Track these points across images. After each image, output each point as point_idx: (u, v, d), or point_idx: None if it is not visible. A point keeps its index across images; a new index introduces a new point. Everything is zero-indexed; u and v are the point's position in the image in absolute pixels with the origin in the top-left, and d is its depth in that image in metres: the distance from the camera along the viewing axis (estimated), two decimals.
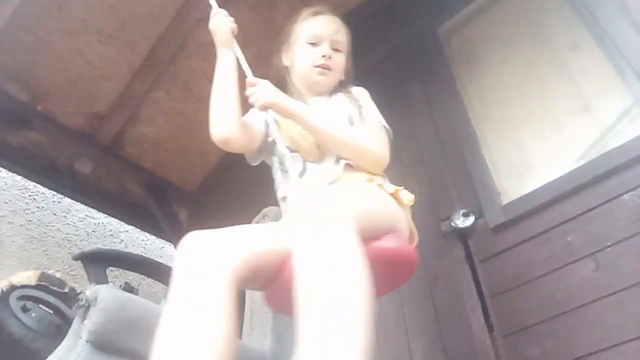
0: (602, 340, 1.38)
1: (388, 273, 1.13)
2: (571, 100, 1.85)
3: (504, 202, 1.80)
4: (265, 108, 1.30)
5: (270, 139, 1.40)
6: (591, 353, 1.38)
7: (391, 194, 1.24)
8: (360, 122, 1.39)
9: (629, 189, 1.50)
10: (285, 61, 1.54)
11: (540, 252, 1.61)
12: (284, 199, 1.35)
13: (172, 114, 2.93)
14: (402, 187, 1.29)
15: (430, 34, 2.40)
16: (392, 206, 1.21)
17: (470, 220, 1.82)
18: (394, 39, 2.52)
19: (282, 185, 1.36)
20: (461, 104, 2.10)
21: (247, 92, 1.32)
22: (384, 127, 1.40)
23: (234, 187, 3.02)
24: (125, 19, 2.44)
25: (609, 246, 1.47)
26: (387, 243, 1.12)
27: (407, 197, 1.27)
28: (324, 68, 1.44)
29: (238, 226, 1.12)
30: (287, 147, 1.32)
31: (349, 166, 1.30)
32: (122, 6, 2.40)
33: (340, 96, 1.47)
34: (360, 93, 1.48)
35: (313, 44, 1.46)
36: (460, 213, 1.85)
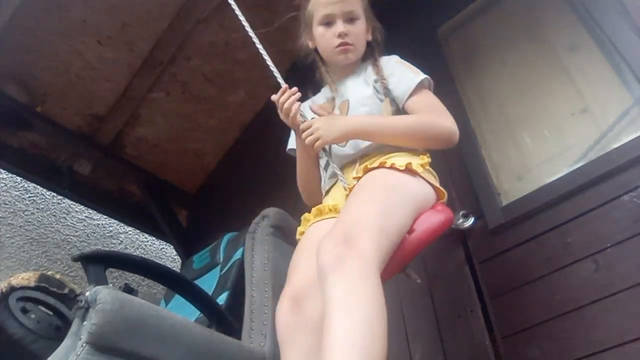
0: (602, 341, 1.37)
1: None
2: (570, 101, 1.85)
3: (504, 203, 1.80)
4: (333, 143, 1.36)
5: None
6: (591, 354, 1.38)
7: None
8: (386, 96, 1.42)
9: (628, 190, 1.50)
10: (311, 44, 1.54)
11: (540, 253, 1.61)
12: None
13: (172, 115, 2.92)
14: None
15: (430, 34, 2.40)
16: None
17: (470, 221, 1.81)
18: (393, 39, 2.51)
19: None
20: (460, 104, 2.10)
21: (304, 136, 1.32)
22: (426, 83, 1.43)
23: (233, 189, 3.02)
24: (125, 20, 2.44)
25: (608, 247, 1.47)
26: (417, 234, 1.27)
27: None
28: (344, 46, 1.44)
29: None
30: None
31: None
32: (122, 7, 2.39)
33: (369, 71, 1.49)
34: (387, 63, 1.49)
35: (327, 24, 1.45)
36: (460, 214, 1.85)
